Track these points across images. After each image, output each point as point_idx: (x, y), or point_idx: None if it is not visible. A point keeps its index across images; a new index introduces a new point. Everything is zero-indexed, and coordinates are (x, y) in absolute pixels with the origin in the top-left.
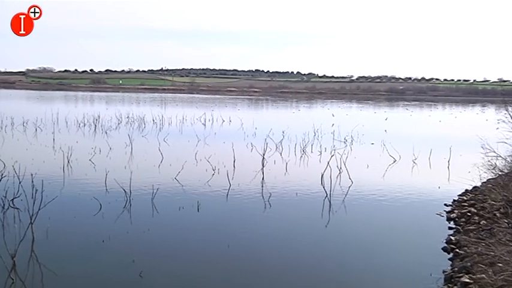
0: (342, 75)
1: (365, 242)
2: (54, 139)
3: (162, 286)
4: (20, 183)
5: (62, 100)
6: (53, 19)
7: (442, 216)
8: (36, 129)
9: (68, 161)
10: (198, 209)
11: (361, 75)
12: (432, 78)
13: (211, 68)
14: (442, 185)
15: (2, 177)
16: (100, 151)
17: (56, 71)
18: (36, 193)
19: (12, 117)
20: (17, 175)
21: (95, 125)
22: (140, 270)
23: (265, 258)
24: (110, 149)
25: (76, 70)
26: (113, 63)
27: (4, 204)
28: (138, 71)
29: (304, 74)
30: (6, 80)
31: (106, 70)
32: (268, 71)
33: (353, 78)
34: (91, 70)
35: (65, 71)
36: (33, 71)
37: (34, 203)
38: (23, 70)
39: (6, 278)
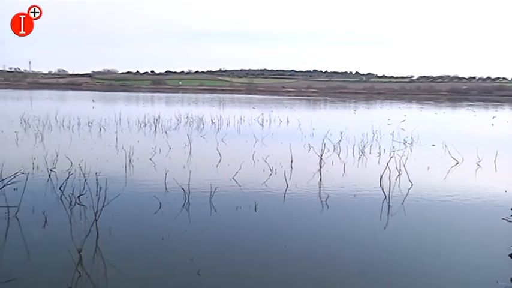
0: (401, 75)
1: (426, 245)
2: (117, 138)
3: (219, 285)
4: (85, 181)
5: (124, 100)
6: (116, 23)
7: (509, 221)
8: (100, 129)
9: (130, 160)
10: (255, 209)
11: (422, 75)
12: (499, 78)
13: (269, 69)
14: (509, 189)
15: (69, 175)
16: (160, 151)
17: (119, 72)
18: (100, 191)
19: (79, 117)
20: (83, 173)
21: (156, 125)
22: (198, 268)
23: (322, 260)
24: (170, 148)
25: (138, 71)
26: (173, 65)
27: (71, 201)
28: (197, 72)
29: (363, 74)
30: (74, 81)
31: (166, 71)
32: (326, 71)
33: (413, 78)
34: (152, 71)
35: (128, 72)
36: (98, 72)
37: (98, 200)
38: (89, 72)
39: (73, 271)
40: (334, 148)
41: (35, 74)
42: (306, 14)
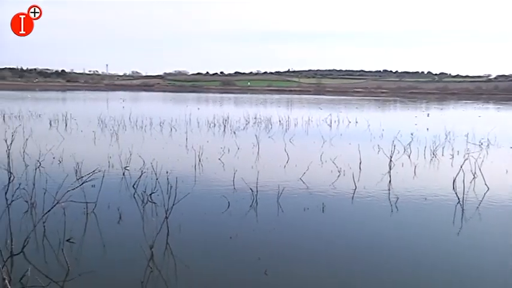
0: (477, 74)
1: (503, 254)
2: (187, 139)
3: (286, 285)
4: (157, 179)
5: (194, 101)
6: (187, 25)
7: None
8: (171, 129)
9: (199, 160)
10: (322, 210)
11: (501, 74)
12: None
13: (338, 69)
14: None
15: (142, 174)
16: (229, 151)
17: (189, 74)
18: (171, 189)
19: (151, 117)
20: (155, 172)
21: (224, 126)
22: (265, 268)
23: (390, 264)
24: (238, 148)
25: (207, 73)
26: (241, 66)
27: (143, 199)
28: (265, 72)
29: (436, 74)
30: (146, 83)
31: (235, 72)
32: (396, 71)
33: (491, 77)
34: (221, 72)
35: (198, 73)
36: (170, 74)
37: (169, 198)
38: (161, 74)
39: (145, 266)
40: (405, 150)
41: (111, 76)
42: (376, 14)
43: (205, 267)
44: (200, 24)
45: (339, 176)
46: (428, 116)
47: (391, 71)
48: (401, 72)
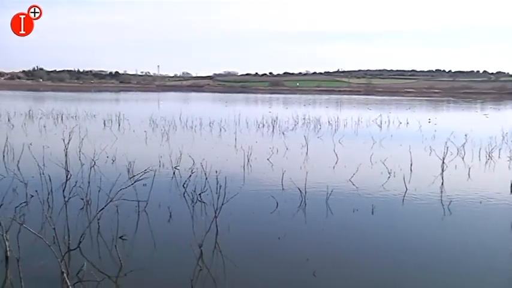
0: None
1: None
2: (236, 139)
3: (335, 286)
4: (206, 179)
5: (243, 102)
6: (236, 26)
7: None
8: (220, 129)
9: (248, 160)
10: (372, 212)
11: None
12: None
13: (388, 69)
14: None
15: (191, 173)
16: (277, 151)
17: (239, 74)
18: (220, 189)
19: (201, 118)
20: (204, 171)
21: (273, 126)
22: (314, 269)
23: (442, 268)
24: (287, 149)
25: (257, 73)
26: (290, 66)
27: (193, 198)
28: (314, 73)
29: (492, 73)
30: (197, 84)
31: (284, 73)
32: (450, 70)
33: None
34: (270, 73)
35: (247, 74)
36: (219, 75)
37: (218, 198)
38: (211, 74)
39: (195, 265)
40: (458, 151)
41: (163, 77)
42: (427, 12)
43: (254, 267)
44: (250, 25)
45: (389, 177)
46: (487, 116)
47: (444, 71)
48: (454, 72)
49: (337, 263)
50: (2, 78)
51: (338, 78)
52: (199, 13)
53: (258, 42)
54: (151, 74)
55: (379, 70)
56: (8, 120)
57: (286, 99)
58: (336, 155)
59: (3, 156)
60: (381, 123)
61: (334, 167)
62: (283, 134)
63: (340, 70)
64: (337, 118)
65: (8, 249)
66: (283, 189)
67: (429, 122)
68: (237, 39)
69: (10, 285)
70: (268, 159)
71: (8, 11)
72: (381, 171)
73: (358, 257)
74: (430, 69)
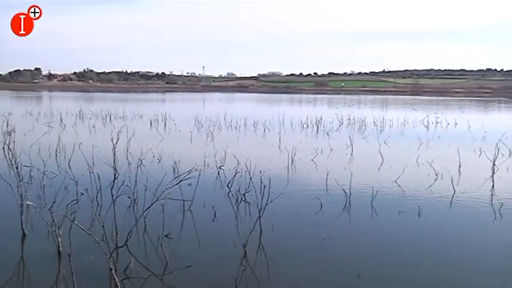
0: None
1: None
2: (280, 139)
3: None
4: (250, 179)
5: (287, 102)
6: (280, 27)
7: None
8: (264, 130)
9: (292, 160)
10: (418, 215)
11: None
12: None
13: (436, 69)
14: None
15: (236, 173)
16: (321, 151)
17: (283, 75)
18: (264, 189)
19: (245, 118)
20: (248, 171)
21: (317, 126)
22: (358, 271)
23: (492, 273)
24: (331, 149)
25: (301, 74)
26: (335, 66)
27: (237, 198)
28: (359, 73)
29: None
30: (241, 84)
31: (329, 73)
32: (501, 69)
33: None
34: (315, 73)
35: (291, 74)
36: (264, 75)
37: (262, 198)
38: (255, 75)
39: (239, 264)
40: (510, 153)
41: (208, 78)
42: (478, 10)
43: (298, 268)
44: (294, 26)
45: (436, 179)
46: None
47: (495, 70)
48: (507, 71)
49: (382, 265)
50: (55, 79)
51: (384, 79)
52: (245, 14)
53: (302, 43)
54: (197, 74)
55: (427, 70)
56: (61, 120)
57: (330, 100)
58: (382, 156)
59: (56, 155)
60: (428, 124)
61: (379, 168)
62: (327, 134)
63: (386, 70)
64: (383, 119)
65: (60, 244)
66: (327, 190)
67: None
68: (282, 40)
69: (63, 279)
70: (312, 159)
71: (58, 15)
72: (427, 173)
73: (403, 260)
74: (481, 68)
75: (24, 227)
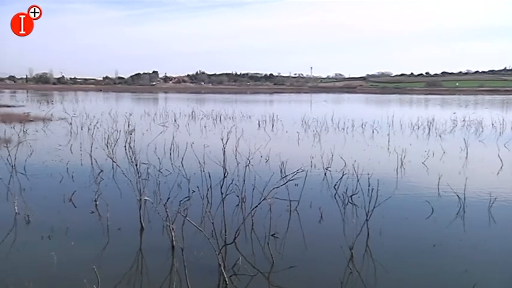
0: None
1: None
2: (389, 141)
3: None
4: (357, 181)
5: (397, 103)
6: (390, 26)
7: None
8: (372, 131)
9: (401, 163)
10: None
11: None
12: None
13: None
14: None
15: (343, 175)
16: (433, 154)
17: (393, 75)
18: (371, 192)
19: (353, 119)
20: (356, 173)
21: (429, 128)
22: (474, 282)
23: None
24: (444, 152)
25: (412, 73)
26: (449, 65)
27: (344, 200)
28: (476, 72)
29: None
30: (349, 85)
31: (442, 72)
32: None
33: None
34: (426, 73)
35: (401, 75)
36: (372, 76)
37: (370, 201)
38: (364, 75)
39: (345, 267)
40: None
41: (315, 79)
42: None
43: (406, 274)
44: (405, 24)
45: None
46: None
47: None
48: None
49: (500, 277)
50: (170, 82)
51: (505, 78)
52: (353, 14)
53: (413, 41)
54: (304, 75)
55: None
56: (175, 120)
57: (443, 100)
58: (501, 160)
59: (170, 153)
60: None
61: (498, 173)
62: (440, 136)
63: (507, 68)
64: (503, 120)
65: (173, 239)
66: (439, 194)
67: None
68: (391, 39)
69: (176, 272)
70: (423, 162)
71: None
72: None
73: None
74: None
75: (142, 220)
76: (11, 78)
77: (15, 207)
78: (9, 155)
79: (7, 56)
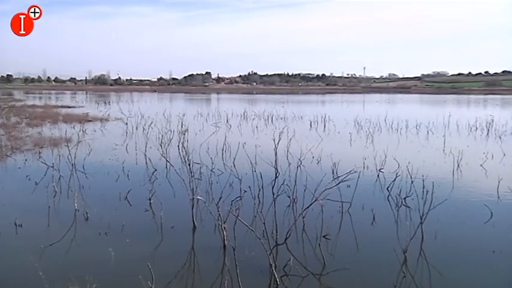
0: None
1: None
2: (444, 142)
3: None
4: (411, 183)
5: (453, 103)
6: (445, 25)
7: None
8: (427, 132)
9: (458, 165)
10: None
11: None
12: None
13: None
14: None
15: (396, 176)
16: (492, 156)
17: (449, 74)
18: (426, 194)
19: (407, 119)
20: (410, 175)
21: (488, 129)
22: None
23: None
24: (504, 155)
25: (470, 73)
26: (510, 64)
27: (397, 202)
28: None
29: None
30: (403, 85)
31: (503, 71)
32: None
33: None
34: (486, 72)
35: (458, 74)
36: (427, 75)
37: (424, 203)
38: (418, 75)
39: (398, 270)
40: None
41: (368, 79)
42: None
43: (463, 281)
44: (462, 22)
45: None
46: None
47: None
48: None
49: None
50: (223, 82)
51: None
52: (406, 13)
53: (471, 39)
54: (357, 75)
55: None
56: (227, 121)
57: (503, 100)
58: None
59: (222, 153)
60: None
61: None
62: (499, 138)
63: None
64: None
65: (225, 238)
66: (499, 198)
67: None
68: (447, 38)
69: (227, 271)
70: (481, 165)
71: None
72: None
73: None
74: None
75: (194, 219)
76: (72, 80)
77: (75, 204)
78: (69, 153)
79: (68, 58)
